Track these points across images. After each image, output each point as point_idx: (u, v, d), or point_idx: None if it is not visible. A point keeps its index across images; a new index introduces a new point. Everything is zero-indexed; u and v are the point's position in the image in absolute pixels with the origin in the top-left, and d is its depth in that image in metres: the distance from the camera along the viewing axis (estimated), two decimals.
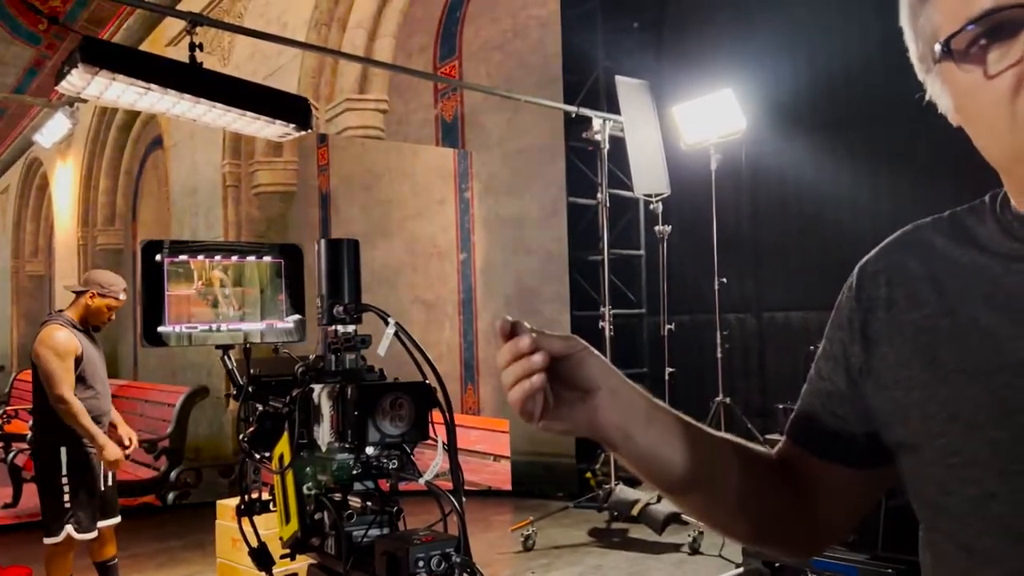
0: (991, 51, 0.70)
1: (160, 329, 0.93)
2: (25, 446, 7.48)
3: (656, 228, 6.20)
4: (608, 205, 6.22)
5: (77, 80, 3.50)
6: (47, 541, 3.96)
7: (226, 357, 0.99)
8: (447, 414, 0.90)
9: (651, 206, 6.28)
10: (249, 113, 3.87)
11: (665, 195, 6.25)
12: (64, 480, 3.92)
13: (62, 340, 3.93)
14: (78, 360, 3.97)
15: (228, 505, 4.34)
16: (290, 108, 4.04)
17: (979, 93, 0.72)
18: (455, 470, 0.88)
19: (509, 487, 7.31)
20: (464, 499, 0.90)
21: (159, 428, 7.88)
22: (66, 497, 3.90)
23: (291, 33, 8.50)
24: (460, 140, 8.07)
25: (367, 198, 8.19)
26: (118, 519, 4.23)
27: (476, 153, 7.97)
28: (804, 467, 0.91)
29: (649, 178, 6.22)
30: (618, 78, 6.29)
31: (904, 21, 0.80)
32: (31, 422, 4.15)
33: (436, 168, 8.14)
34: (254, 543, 1.02)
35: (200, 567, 5.21)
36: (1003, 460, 0.73)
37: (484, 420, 7.72)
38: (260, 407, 1.00)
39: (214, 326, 0.96)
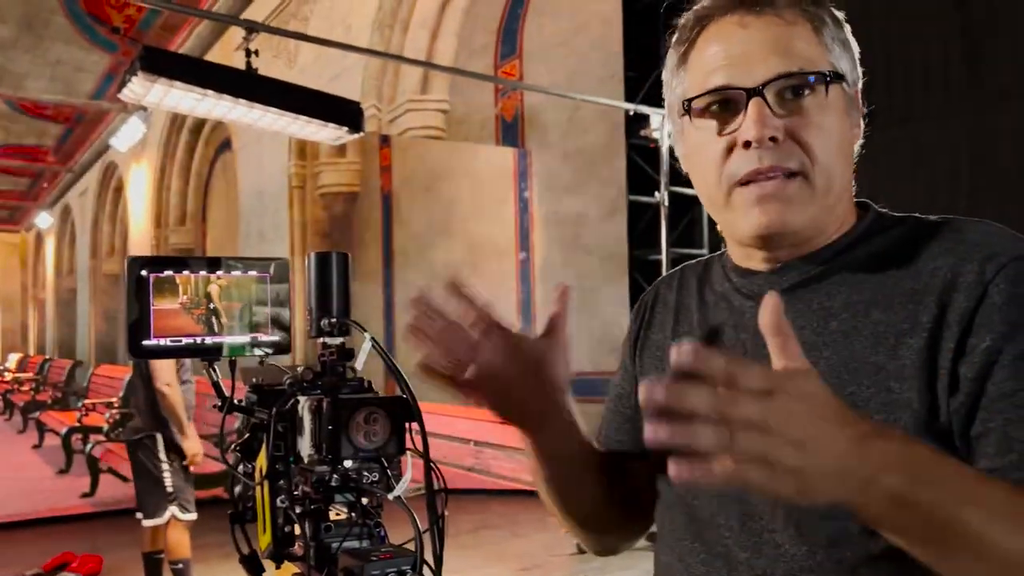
0: (722, 117, 0.88)
1: (145, 343, 0.95)
2: (102, 438, 7.82)
3: (718, 227, 6.08)
4: (668, 204, 6.12)
5: (137, 88, 3.62)
6: (149, 523, 4.17)
7: (211, 369, 1.00)
8: (421, 427, 0.90)
9: None
10: (302, 117, 3.94)
11: None
12: (164, 465, 4.13)
13: None
14: None
15: None
16: (343, 112, 4.10)
17: (705, 148, 0.89)
18: (429, 486, 0.87)
19: None
20: (446, 512, 0.89)
21: (228, 423, 8.10)
22: (167, 481, 4.12)
23: (355, 34, 8.63)
24: (520, 139, 8.07)
25: (428, 198, 8.27)
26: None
27: (536, 152, 7.96)
28: (615, 463, 1.07)
29: None
30: None
31: (665, 79, 0.97)
32: (126, 410, 4.32)
33: (496, 167, 8.15)
34: (244, 550, 1.03)
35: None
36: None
37: None
38: (251, 419, 1.02)
39: (199, 339, 0.97)
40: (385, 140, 8.63)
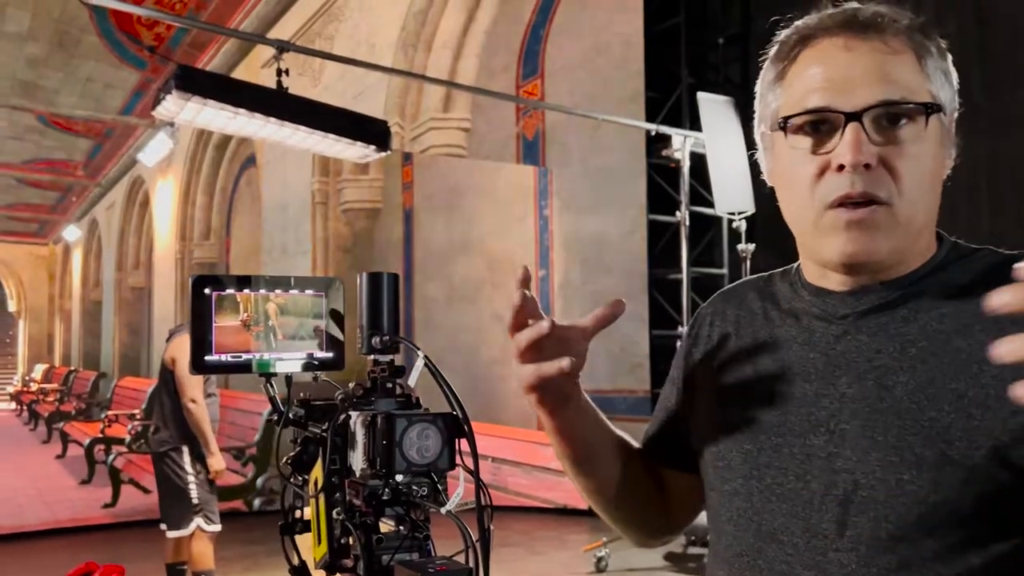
0: (817, 137, 0.89)
1: (207, 359, 0.99)
2: (124, 449, 7.90)
3: (739, 247, 6.08)
4: (688, 223, 6.15)
5: (171, 106, 3.70)
6: (173, 534, 4.23)
7: (268, 385, 1.04)
8: (471, 443, 0.93)
9: (734, 224, 6.16)
10: (331, 135, 4.01)
11: (749, 213, 6.13)
12: (190, 477, 4.19)
13: None
14: None
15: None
16: (370, 131, 4.17)
17: (797, 166, 0.90)
18: (479, 500, 0.91)
19: (586, 506, 7.26)
20: (492, 527, 0.92)
21: (247, 436, 8.17)
22: (193, 493, 4.18)
23: (379, 54, 8.74)
24: (541, 158, 8.13)
25: (449, 215, 8.33)
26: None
27: (556, 170, 8.01)
28: (656, 471, 1.11)
29: (732, 196, 6.11)
30: (700, 94, 6.22)
31: (759, 92, 0.97)
32: (147, 421, 4.39)
33: (516, 185, 8.21)
34: (295, 561, 1.06)
35: (282, 572, 5.36)
36: (748, 466, 0.94)
37: None
38: (305, 432, 1.05)
39: (257, 356, 1.01)
40: (407, 157, 8.72)
